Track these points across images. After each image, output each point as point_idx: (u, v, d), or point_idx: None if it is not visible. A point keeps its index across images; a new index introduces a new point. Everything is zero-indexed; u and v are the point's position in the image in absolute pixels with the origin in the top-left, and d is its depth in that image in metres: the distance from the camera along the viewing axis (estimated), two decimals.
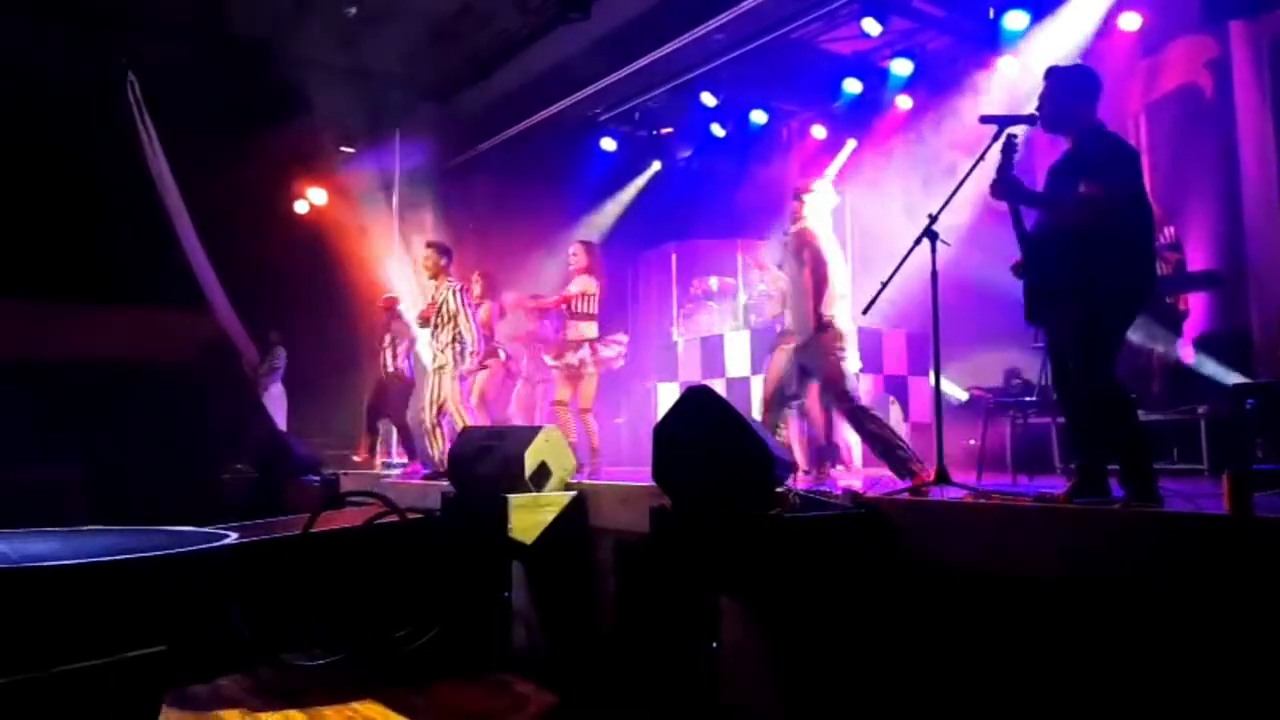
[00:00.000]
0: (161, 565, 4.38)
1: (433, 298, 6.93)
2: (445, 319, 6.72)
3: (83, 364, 7.58)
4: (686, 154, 10.64)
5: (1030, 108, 3.85)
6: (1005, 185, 3.67)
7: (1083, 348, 3.52)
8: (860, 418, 4.82)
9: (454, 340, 6.67)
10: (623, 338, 6.80)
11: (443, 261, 6.88)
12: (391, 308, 8.18)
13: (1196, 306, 6.42)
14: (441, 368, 6.70)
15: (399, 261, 9.74)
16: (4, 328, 7.54)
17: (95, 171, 7.88)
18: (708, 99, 9.09)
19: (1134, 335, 4.75)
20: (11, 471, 6.52)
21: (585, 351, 6.52)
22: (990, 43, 7.58)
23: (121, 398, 7.47)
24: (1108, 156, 3.54)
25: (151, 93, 8.08)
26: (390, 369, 7.97)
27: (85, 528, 5.92)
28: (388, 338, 8.02)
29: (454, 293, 6.76)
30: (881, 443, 4.71)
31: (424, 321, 7.02)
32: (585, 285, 6.62)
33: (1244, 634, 2.64)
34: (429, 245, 7.04)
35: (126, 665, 3.80)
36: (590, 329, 6.58)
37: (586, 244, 6.93)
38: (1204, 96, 7.03)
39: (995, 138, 3.95)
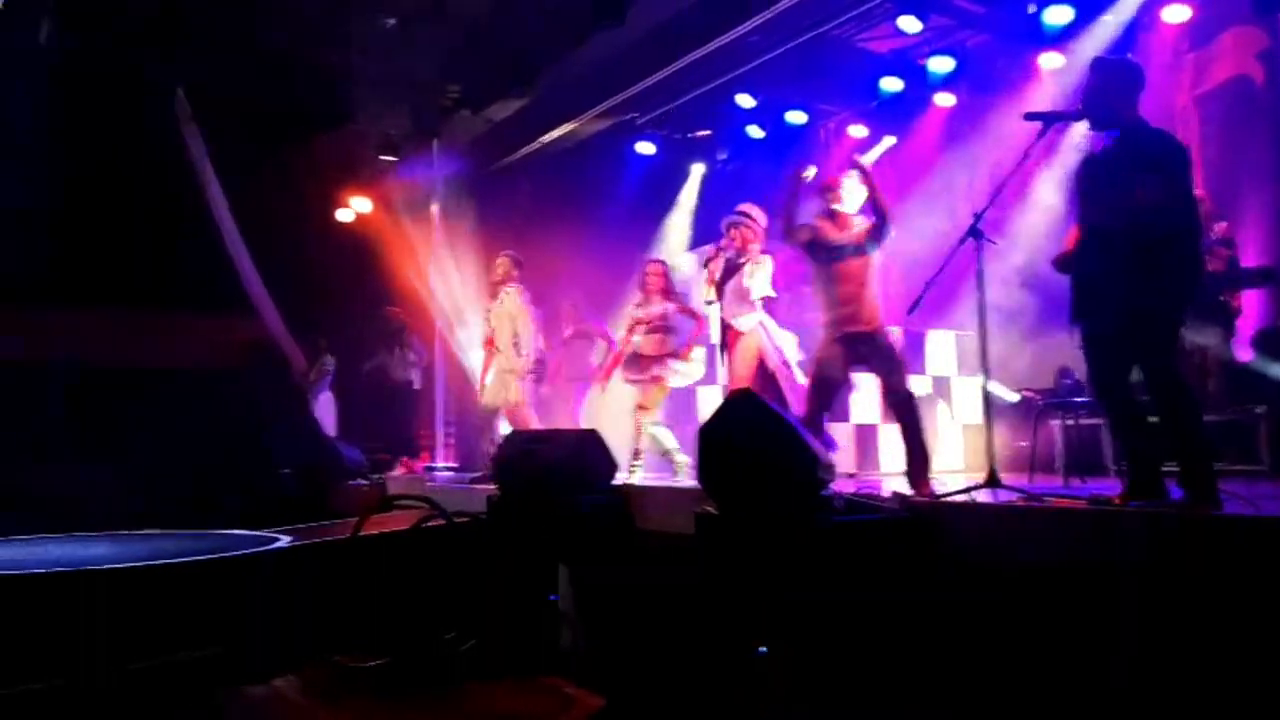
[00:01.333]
0: (216, 568, 4.46)
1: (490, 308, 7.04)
2: (505, 321, 6.84)
3: (134, 370, 7.75)
4: (724, 156, 10.61)
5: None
6: None
7: (1144, 347, 3.46)
8: (913, 411, 4.75)
9: (514, 344, 6.79)
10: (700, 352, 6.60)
11: (515, 271, 7.04)
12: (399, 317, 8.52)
13: (1251, 304, 6.28)
14: (508, 371, 6.79)
15: (440, 268, 9.84)
16: (54, 335, 7.74)
17: (145, 182, 8.06)
18: (745, 100, 9.06)
19: (1185, 334, 4.66)
20: (64, 476, 6.68)
21: (664, 366, 6.45)
22: (1032, 38, 7.47)
23: (172, 404, 7.62)
24: (1162, 155, 3.48)
25: (197, 105, 8.24)
26: (401, 376, 8.23)
27: (138, 532, 6.05)
28: (396, 348, 8.29)
29: (517, 294, 6.88)
30: (919, 444, 4.65)
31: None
32: (665, 305, 6.58)
33: None
34: (505, 254, 7.16)
35: (187, 666, 3.86)
36: (670, 343, 6.53)
37: (662, 263, 6.86)
38: (1255, 88, 6.88)
39: (1040, 134, 3.92)
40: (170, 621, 4.45)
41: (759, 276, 5.81)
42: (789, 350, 5.85)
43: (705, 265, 6.02)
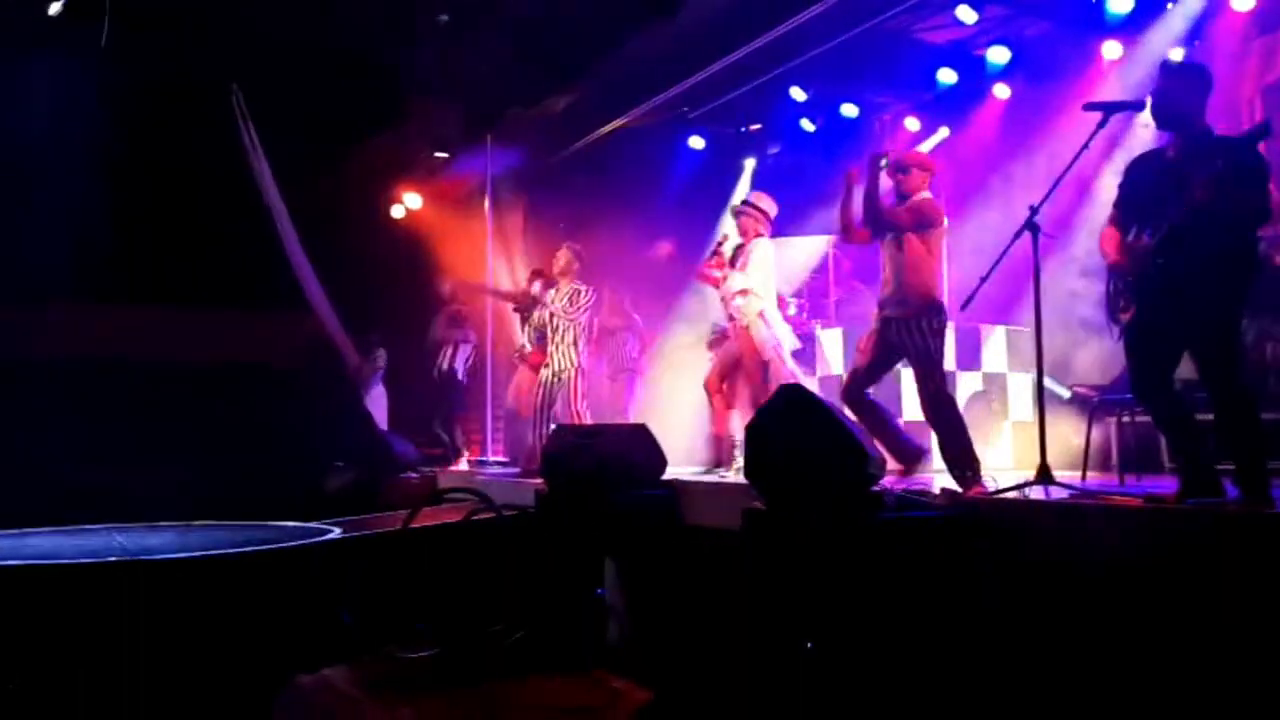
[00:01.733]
0: (271, 558, 4.56)
1: (551, 297, 7.12)
2: (566, 320, 6.90)
3: (191, 366, 7.95)
4: (775, 150, 10.55)
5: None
6: None
7: (1200, 342, 3.38)
8: (941, 408, 4.70)
9: (575, 342, 6.85)
10: None
11: (576, 265, 7.09)
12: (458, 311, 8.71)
13: None
14: (568, 368, 6.89)
15: (493, 264, 9.93)
16: (116, 332, 7.97)
17: (201, 178, 8.25)
18: (797, 94, 8.99)
19: (1250, 329, 4.53)
20: (123, 469, 6.87)
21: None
22: (1093, 27, 7.31)
23: (229, 398, 7.81)
24: (1230, 165, 3.37)
25: (253, 102, 8.40)
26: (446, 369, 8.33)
27: (195, 523, 6.21)
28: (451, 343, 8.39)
29: (581, 293, 6.94)
30: (955, 443, 4.58)
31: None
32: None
33: None
34: (568, 246, 7.21)
35: (244, 652, 3.96)
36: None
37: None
38: None
39: (1100, 125, 3.84)
40: (229, 610, 4.56)
41: (756, 265, 5.84)
42: (786, 342, 5.87)
43: (713, 254, 6.06)
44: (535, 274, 7.67)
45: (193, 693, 4.23)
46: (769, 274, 5.96)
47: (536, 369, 7.28)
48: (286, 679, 4.44)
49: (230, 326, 8.34)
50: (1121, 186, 3.78)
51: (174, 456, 7.07)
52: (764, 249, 5.96)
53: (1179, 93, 3.60)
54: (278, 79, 8.19)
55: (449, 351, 8.62)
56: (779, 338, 5.88)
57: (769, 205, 6.06)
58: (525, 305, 7.52)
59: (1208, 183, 3.31)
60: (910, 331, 4.67)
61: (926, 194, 4.84)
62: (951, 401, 4.79)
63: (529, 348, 7.50)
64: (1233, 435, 3.32)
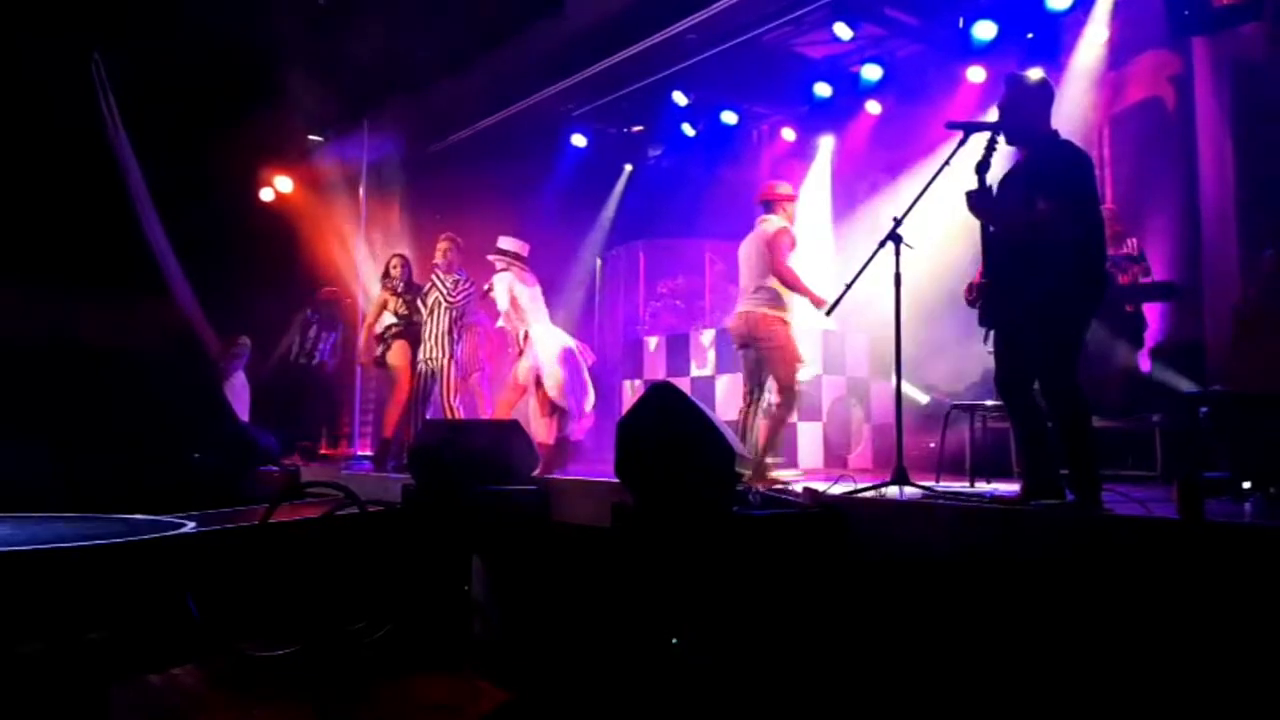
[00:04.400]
0: (111, 553, 4.32)
1: (426, 290, 7.02)
2: (441, 311, 6.78)
3: (43, 348, 7.43)
4: (657, 153, 10.65)
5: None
6: (979, 195, 3.70)
7: (1041, 353, 3.58)
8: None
9: (449, 331, 6.75)
10: None
11: (455, 258, 7.01)
12: (336, 299, 8.55)
13: (1153, 316, 6.54)
14: (441, 359, 6.79)
15: (363, 251, 9.68)
16: None
17: (57, 152, 7.72)
18: (679, 98, 9.10)
19: (1093, 343, 4.83)
20: None
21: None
22: (960, 52, 7.66)
23: (82, 384, 7.33)
24: (1061, 168, 3.59)
25: (117, 76, 7.94)
26: (312, 359, 8.13)
27: (38, 515, 5.82)
28: (313, 328, 8.17)
29: (454, 284, 6.88)
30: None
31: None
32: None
33: (1192, 633, 2.69)
34: (447, 238, 7.09)
35: (71, 651, 3.74)
36: None
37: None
38: (1166, 110, 7.15)
39: (961, 143, 4.00)
40: (59, 607, 4.29)
41: (500, 295, 6.54)
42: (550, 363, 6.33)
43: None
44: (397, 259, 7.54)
45: (23, 691, 3.97)
46: (504, 304, 6.50)
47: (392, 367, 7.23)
48: (130, 678, 4.23)
49: (83, 308, 7.82)
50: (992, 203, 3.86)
51: (22, 444, 6.60)
52: (499, 283, 6.55)
53: (1023, 103, 3.77)
54: (144, 48, 7.75)
55: (314, 334, 8.37)
56: (542, 361, 6.32)
57: (516, 246, 6.63)
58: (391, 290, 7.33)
59: (1042, 188, 3.49)
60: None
61: None
62: None
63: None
64: (1069, 442, 3.53)
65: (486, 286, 6.63)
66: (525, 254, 6.65)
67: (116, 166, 7.92)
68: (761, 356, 5.31)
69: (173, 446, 7.37)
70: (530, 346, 6.37)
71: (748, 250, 5.53)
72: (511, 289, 6.47)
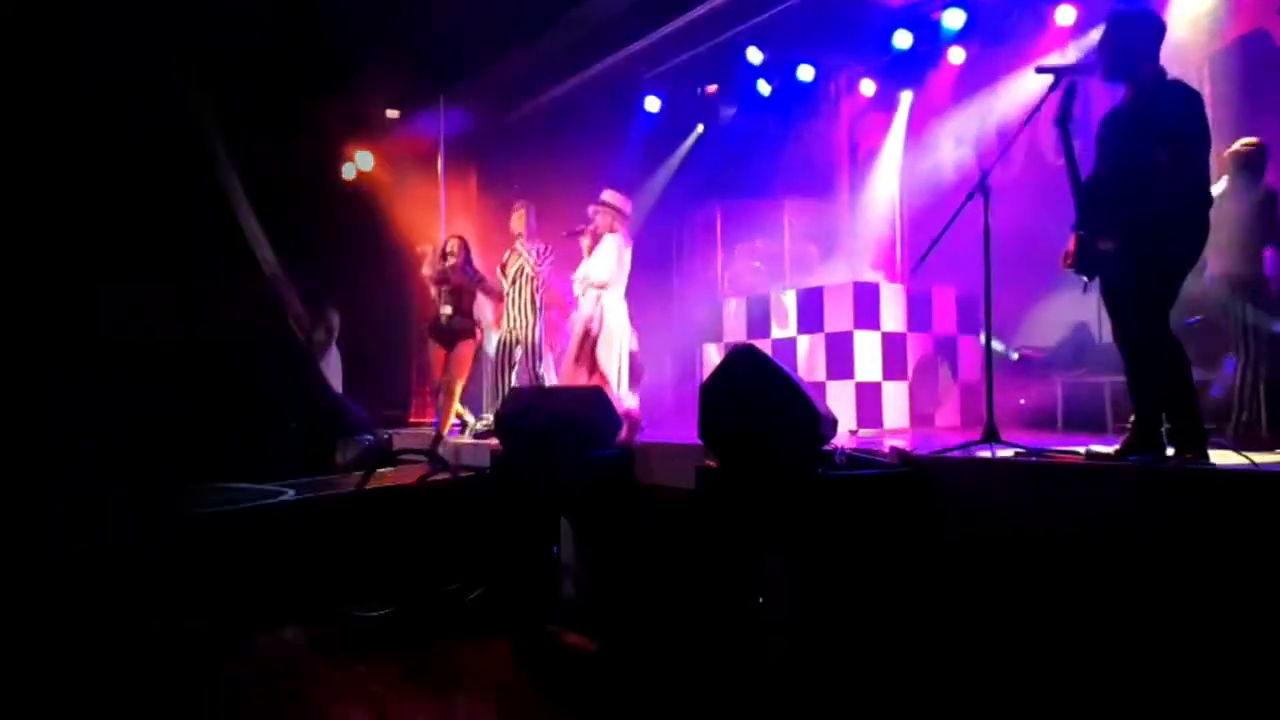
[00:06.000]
0: (223, 519, 4.52)
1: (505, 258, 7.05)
2: (524, 280, 6.88)
3: (164, 341, 7.75)
4: (731, 112, 10.51)
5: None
6: (1068, 149, 3.56)
7: (1132, 299, 3.45)
8: None
9: (531, 300, 6.83)
10: None
11: (533, 224, 7.04)
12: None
13: None
14: (525, 328, 6.89)
15: (444, 223, 9.82)
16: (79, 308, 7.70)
17: (147, 141, 7.98)
18: (753, 55, 8.95)
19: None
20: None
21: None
22: None
23: (186, 366, 7.63)
24: (1178, 111, 3.40)
25: (200, 60, 8.14)
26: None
27: None
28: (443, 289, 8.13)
29: (537, 253, 6.92)
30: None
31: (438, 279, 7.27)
32: None
33: None
34: (523, 203, 7.13)
35: (197, 619, 3.93)
36: None
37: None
38: (1273, 43, 6.75)
39: (1052, 89, 3.85)
40: (180, 572, 4.52)
41: (598, 261, 6.22)
42: (618, 335, 6.18)
43: (573, 233, 6.49)
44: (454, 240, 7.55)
45: (142, 654, 4.20)
46: (612, 268, 6.20)
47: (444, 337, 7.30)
48: (242, 640, 4.44)
49: (183, 295, 8.11)
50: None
51: (126, 419, 6.91)
52: (609, 244, 6.25)
53: (1127, 42, 3.56)
54: (226, 35, 7.94)
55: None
56: (610, 327, 6.14)
57: (621, 202, 6.38)
58: (440, 272, 7.38)
59: (1152, 138, 3.34)
60: None
61: None
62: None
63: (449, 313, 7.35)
64: (1167, 392, 3.41)
65: (585, 239, 6.36)
66: (628, 211, 6.43)
67: (205, 151, 8.16)
68: None
69: (270, 419, 7.64)
70: (599, 302, 6.21)
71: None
72: (620, 255, 6.23)
